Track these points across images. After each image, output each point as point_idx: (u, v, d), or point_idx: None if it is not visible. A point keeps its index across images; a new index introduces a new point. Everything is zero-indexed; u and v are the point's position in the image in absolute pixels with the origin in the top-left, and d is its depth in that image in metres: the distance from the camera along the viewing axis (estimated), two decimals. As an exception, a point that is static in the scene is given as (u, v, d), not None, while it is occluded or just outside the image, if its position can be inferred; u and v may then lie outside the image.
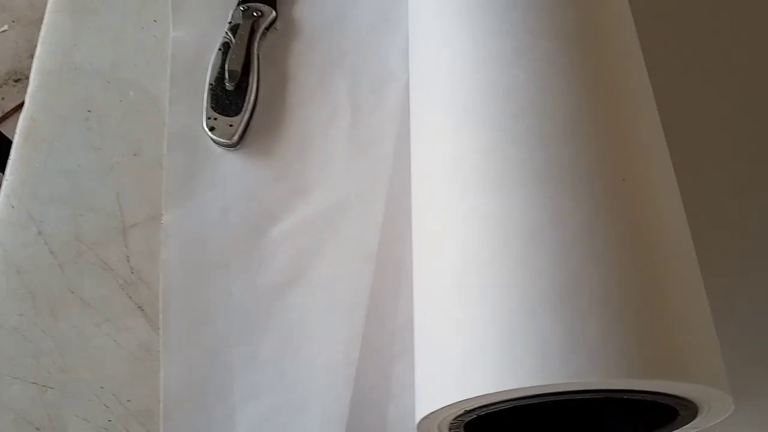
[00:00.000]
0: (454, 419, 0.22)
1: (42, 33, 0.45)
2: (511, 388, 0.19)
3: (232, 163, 0.37)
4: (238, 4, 0.41)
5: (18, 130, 0.40)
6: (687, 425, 0.23)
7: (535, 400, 0.20)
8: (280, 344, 0.31)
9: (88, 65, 0.42)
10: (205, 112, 0.38)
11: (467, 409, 0.21)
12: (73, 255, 0.35)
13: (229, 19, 0.41)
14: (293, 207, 0.35)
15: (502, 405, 0.21)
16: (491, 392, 0.19)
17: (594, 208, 0.21)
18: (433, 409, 0.21)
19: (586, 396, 0.20)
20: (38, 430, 0.31)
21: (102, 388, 0.32)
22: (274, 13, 0.41)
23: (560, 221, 0.21)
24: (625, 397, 0.20)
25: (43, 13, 1.36)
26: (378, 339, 0.31)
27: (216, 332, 0.32)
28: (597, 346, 0.19)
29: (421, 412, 0.22)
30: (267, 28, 0.41)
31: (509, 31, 0.25)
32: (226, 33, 0.40)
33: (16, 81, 1.36)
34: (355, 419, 0.29)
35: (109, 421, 0.31)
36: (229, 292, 0.33)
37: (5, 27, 1.47)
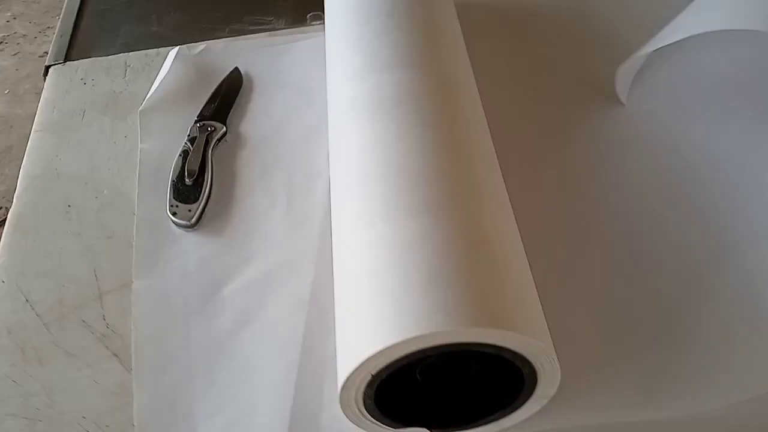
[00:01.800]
0: (366, 388, 0.31)
1: (27, 148, 0.54)
2: (397, 341, 0.28)
3: (190, 240, 0.46)
4: (195, 122, 0.52)
5: (7, 222, 0.49)
6: (535, 393, 0.32)
7: (419, 356, 0.29)
8: (232, 374, 0.39)
9: (69, 171, 0.51)
10: (168, 201, 0.47)
11: (372, 373, 0.30)
12: (57, 317, 0.43)
13: (187, 133, 0.51)
14: (240, 271, 0.44)
15: (397, 363, 0.29)
16: (385, 347, 0.28)
17: (448, 229, 0.32)
18: (346, 376, 0.30)
19: (450, 349, 0.29)
20: (28, 453, 0.37)
21: (84, 417, 0.38)
22: (224, 128, 0.52)
23: (424, 237, 0.31)
24: (477, 349, 0.29)
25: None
26: (311, 365, 0.39)
27: (179, 368, 0.40)
28: (451, 308, 0.28)
29: (339, 383, 0.31)
30: (219, 140, 0.51)
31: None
32: (186, 143, 0.50)
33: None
34: (294, 427, 0.37)
35: (90, 442, 0.37)
36: (189, 337, 0.41)
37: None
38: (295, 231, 0.46)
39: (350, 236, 0.34)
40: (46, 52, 2.38)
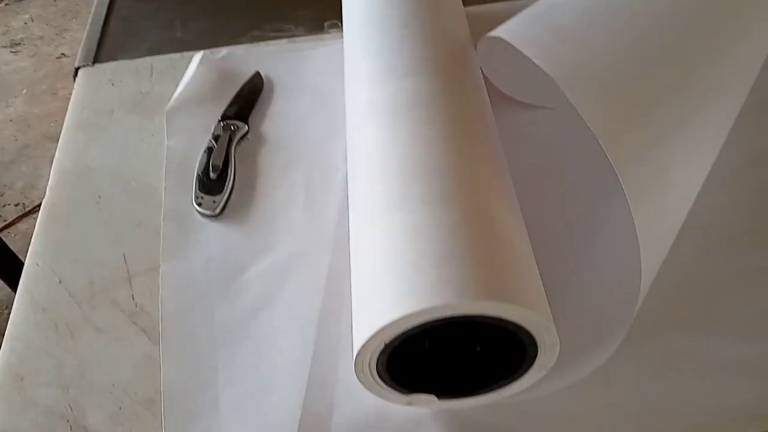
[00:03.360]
0: (379, 355, 0.34)
1: (59, 144, 0.57)
2: (409, 312, 0.31)
3: (214, 229, 0.49)
4: (219, 121, 0.55)
5: (40, 213, 0.52)
6: (535, 364, 0.35)
7: (428, 326, 0.32)
8: (252, 348, 0.42)
9: (98, 165, 0.55)
10: (193, 193, 0.50)
11: (385, 342, 0.33)
12: (88, 296, 0.46)
13: (212, 131, 0.55)
14: (261, 258, 0.47)
15: (409, 333, 0.32)
16: (398, 317, 0.31)
17: (458, 216, 0.35)
18: (362, 343, 0.33)
19: (457, 320, 0.32)
20: (61, 417, 0.40)
21: (114, 386, 0.41)
22: (246, 127, 0.55)
23: (436, 223, 0.34)
24: (481, 321, 0.32)
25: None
26: (326, 342, 0.42)
27: (202, 342, 0.43)
28: (458, 283, 0.31)
29: (355, 350, 0.33)
30: (241, 138, 0.55)
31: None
32: (210, 140, 0.54)
33: None
34: (311, 395, 0.40)
35: (120, 408, 0.40)
36: (213, 315, 0.44)
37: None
38: (313, 222, 0.49)
39: (367, 223, 0.37)
40: (63, 54, 2.43)
